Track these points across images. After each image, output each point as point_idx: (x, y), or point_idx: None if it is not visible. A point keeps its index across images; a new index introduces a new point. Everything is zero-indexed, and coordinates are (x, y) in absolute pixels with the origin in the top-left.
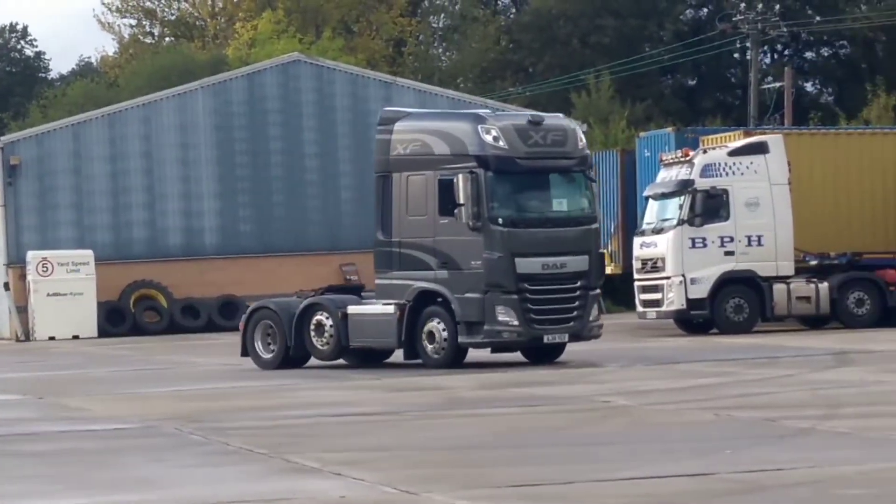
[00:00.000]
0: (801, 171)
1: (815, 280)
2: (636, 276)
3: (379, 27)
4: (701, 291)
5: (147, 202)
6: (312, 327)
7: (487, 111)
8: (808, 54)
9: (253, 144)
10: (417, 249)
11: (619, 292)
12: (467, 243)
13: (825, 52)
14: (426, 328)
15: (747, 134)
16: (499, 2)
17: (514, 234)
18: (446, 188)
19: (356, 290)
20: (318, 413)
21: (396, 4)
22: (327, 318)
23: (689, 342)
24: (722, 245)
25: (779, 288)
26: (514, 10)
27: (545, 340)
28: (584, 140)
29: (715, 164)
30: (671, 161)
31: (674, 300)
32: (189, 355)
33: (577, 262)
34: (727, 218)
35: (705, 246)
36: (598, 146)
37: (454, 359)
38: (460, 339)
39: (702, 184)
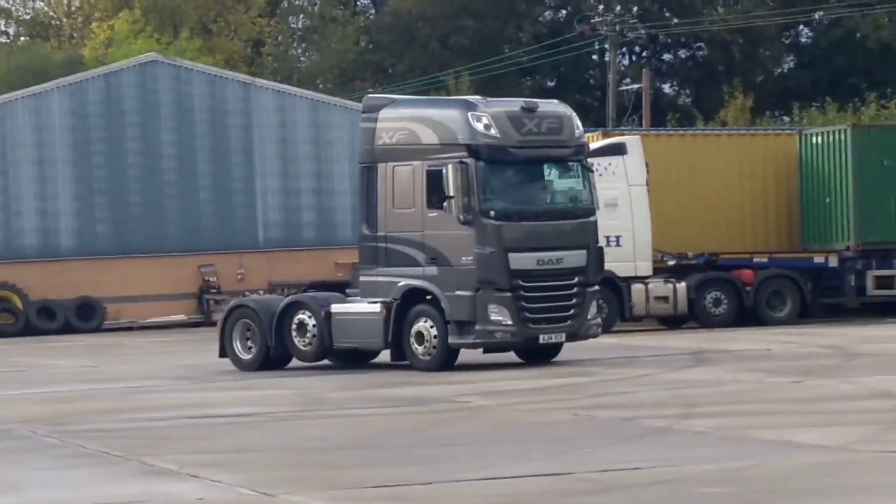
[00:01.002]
0: (659, 172)
1: (672, 280)
2: None
3: (237, 27)
4: None
5: (2, 203)
6: (294, 327)
7: (478, 98)
8: (666, 56)
9: (110, 145)
10: (404, 244)
11: None
12: (457, 238)
13: (683, 54)
14: (414, 328)
15: (605, 135)
16: (358, 2)
17: (507, 228)
18: (435, 179)
19: (341, 287)
20: (177, 415)
21: (255, 5)
22: (310, 317)
23: None
24: None
25: (637, 288)
26: (373, 11)
27: (541, 341)
28: (581, 127)
29: None
30: None
31: None
32: (45, 357)
33: (575, 258)
34: None
35: None
36: None
37: (445, 360)
38: (451, 339)
39: None
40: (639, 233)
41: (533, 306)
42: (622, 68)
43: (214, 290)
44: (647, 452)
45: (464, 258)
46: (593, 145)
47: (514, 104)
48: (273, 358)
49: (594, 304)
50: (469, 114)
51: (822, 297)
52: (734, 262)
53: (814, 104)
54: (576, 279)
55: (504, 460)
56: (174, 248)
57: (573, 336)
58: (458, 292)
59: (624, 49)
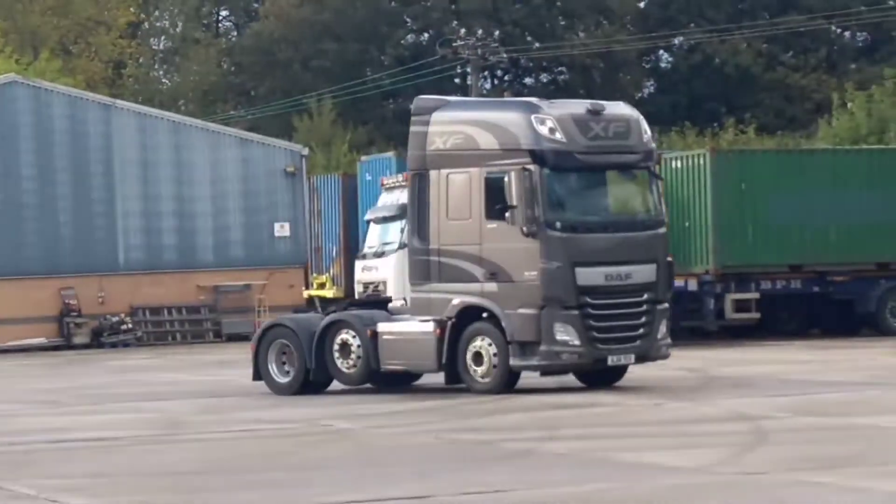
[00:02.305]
0: None
1: None
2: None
3: (98, 49)
4: None
5: None
6: (336, 347)
7: (540, 100)
8: (528, 80)
9: None
10: (460, 258)
11: None
12: (520, 251)
13: (544, 77)
14: (472, 348)
15: None
16: (220, 24)
17: (574, 241)
18: (495, 187)
19: (382, 304)
20: (36, 440)
21: (116, 26)
22: (354, 336)
23: None
24: None
25: None
26: (235, 33)
27: (609, 362)
28: (649, 131)
29: None
30: (392, 185)
31: None
32: None
33: (644, 273)
34: None
35: None
36: (319, 170)
37: (506, 383)
38: (512, 361)
39: None
40: None
41: (601, 325)
42: (484, 92)
43: (75, 314)
44: (508, 475)
45: (527, 273)
46: None
47: (579, 106)
48: (313, 381)
49: (664, 322)
50: (532, 116)
51: (682, 320)
52: None
53: (673, 128)
54: (645, 296)
55: (366, 484)
56: (34, 270)
57: (642, 357)
58: (520, 310)
59: (486, 72)
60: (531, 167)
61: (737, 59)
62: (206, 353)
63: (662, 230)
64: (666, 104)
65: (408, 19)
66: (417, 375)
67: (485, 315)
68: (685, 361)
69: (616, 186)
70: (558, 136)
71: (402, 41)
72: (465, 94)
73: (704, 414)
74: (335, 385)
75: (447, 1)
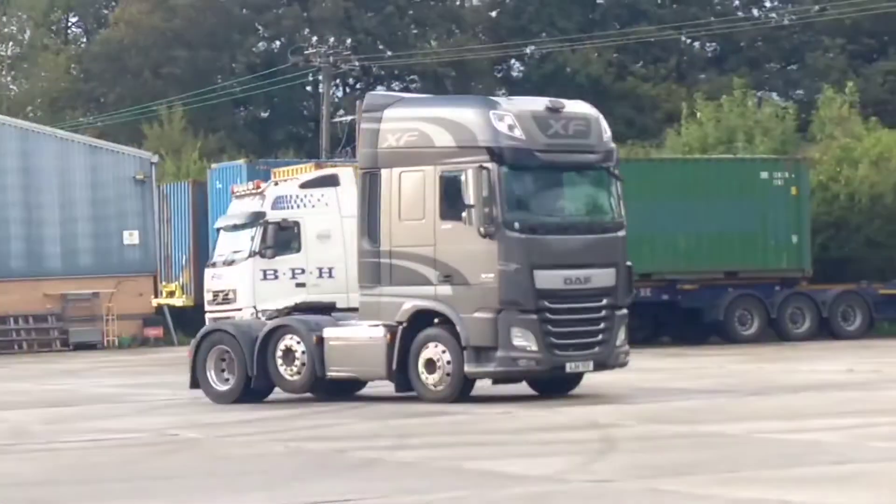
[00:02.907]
0: None
1: None
2: (207, 308)
3: None
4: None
5: None
6: (280, 354)
7: (498, 97)
8: (380, 88)
9: None
10: (413, 260)
11: (190, 324)
12: (477, 252)
13: (396, 86)
14: (424, 355)
15: (318, 167)
16: (70, 31)
17: (533, 242)
18: (451, 186)
19: (326, 310)
20: None
21: None
22: (298, 342)
23: None
24: (294, 277)
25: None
26: (85, 40)
27: (567, 370)
28: (609, 131)
29: (286, 197)
30: (243, 193)
31: None
32: None
33: (603, 277)
34: (299, 250)
35: (277, 278)
36: (169, 178)
37: (460, 391)
38: (467, 367)
39: (273, 216)
40: (352, 264)
41: (560, 330)
42: (336, 100)
43: None
44: (356, 484)
45: (483, 275)
46: (306, 176)
47: (538, 103)
48: (254, 389)
49: (623, 329)
50: (491, 112)
51: None
52: None
53: None
54: (604, 301)
55: (211, 494)
56: None
57: (601, 365)
58: (476, 314)
59: (338, 81)
60: (489, 165)
61: (588, 69)
62: (54, 363)
63: (622, 233)
64: None
65: (259, 27)
66: (362, 384)
67: (438, 320)
68: None
69: (576, 187)
70: (517, 133)
71: (254, 48)
72: (318, 103)
73: (554, 422)
74: (277, 393)
75: (299, 9)
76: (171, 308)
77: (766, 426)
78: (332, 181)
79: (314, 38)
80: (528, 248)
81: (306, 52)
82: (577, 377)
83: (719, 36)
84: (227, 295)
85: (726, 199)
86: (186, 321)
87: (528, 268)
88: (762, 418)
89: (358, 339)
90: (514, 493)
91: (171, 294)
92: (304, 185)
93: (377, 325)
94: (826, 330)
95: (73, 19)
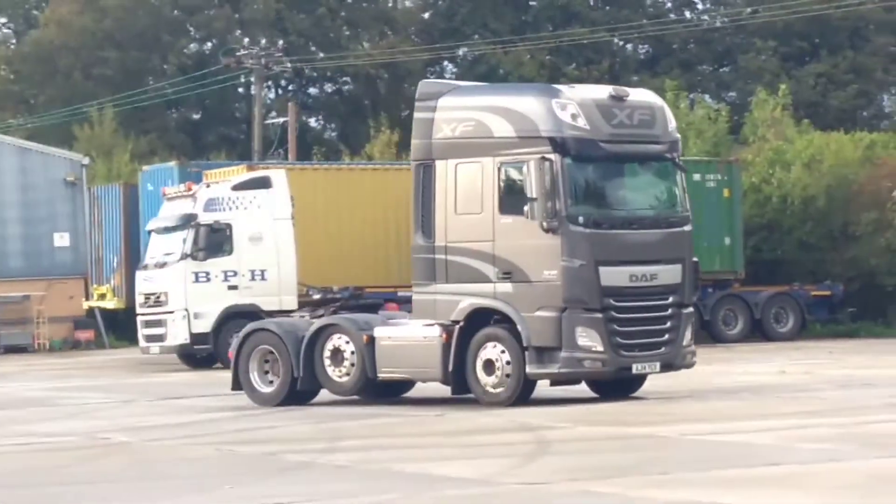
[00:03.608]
0: (304, 205)
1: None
2: (139, 310)
3: None
4: (205, 326)
5: None
6: (328, 354)
7: (559, 86)
8: (312, 90)
9: None
10: (470, 256)
11: (122, 327)
12: (539, 248)
13: (329, 88)
14: (482, 355)
15: (250, 169)
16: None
17: (598, 237)
18: (511, 179)
19: (372, 308)
20: None
21: None
22: (348, 342)
23: (194, 377)
24: (226, 279)
25: None
26: (14, 41)
27: (634, 371)
28: (674, 120)
29: (218, 199)
30: (174, 195)
31: (177, 335)
32: None
33: (670, 273)
34: (231, 252)
35: (209, 280)
36: (100, 180)
37: (521, 393)
38: (529, 369)
39: (205, 218)
40: (284, 267)
41: (626, 330)
42: (268, 102)
43: None
44: (288, 487)
45: (546, 272)
46: (238, 178)
47: (601, 91)
48: (300, 391)
49: (690, 328)
50: (553, 101)
51: None
52: (379, 296)
53: None
54: (670, 299)
55: (141, 498)
56: None
57: (668, 366)
58: (538, 313)
59: (270, 82)
60: (552, 156)
61: (521, 71)
62: None
63: (688, 227)
64: None
65: (191, 28)
66: (411, 385)
67: (497, 319)
68: None
69: (641, 179)
70: (581, 122)
71: (185, 50)
72: (250, 104)
73: (487, 424)
74: (324, 395)
75: (230, 10)
76: (103, 311)
77: (699, 428)
78: (263, 183)
79: (246, 40)
80: (592, 243)
81: (238, 53)
82: (642, 379)
83: (652, 38)
84: (158, 297)
85: None
86: (118, 324)
87: (593, 264)
88: (694, 420)
89: (412, 339)
90: (445, 496)
91: (103, 297)
92: (235, 188)
93: (432, 325)
94: (758, 331)
95: (3, 20)
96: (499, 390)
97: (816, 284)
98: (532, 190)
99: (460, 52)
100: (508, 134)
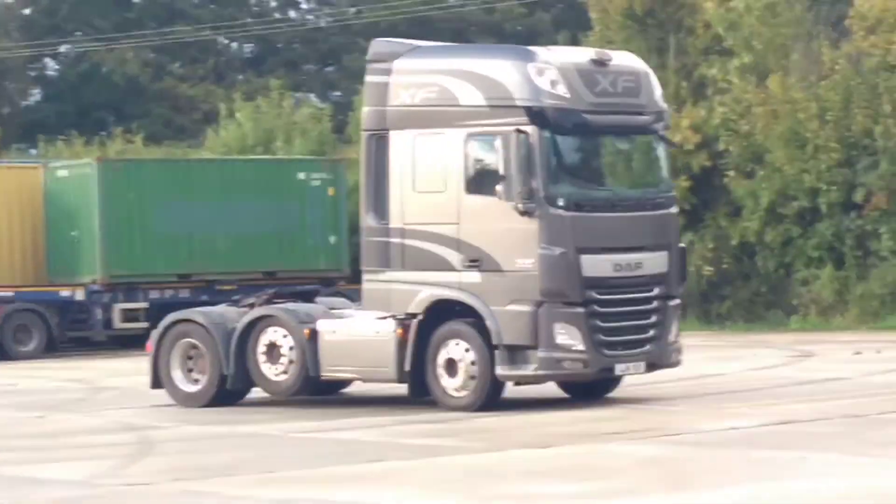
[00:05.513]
0: None
1: None
2: None
3: None
4: None
5: None
6: (262, 350)
7: (535, 48)
8: None
9: None
10: (431, 241)
11: None
12: (512, 233)
13: None
14: (443, 354)
15: None
16: None
17: (579, 221)
18: (480, 153)
19: (308, 296)
20: None
21: None
22: (285, 336)
23: None
24: None
25: None
26: None
27: (617, 371)
28: (660, 88)
29: None
30: None
31: None
32: None
33: (656, 262)
34: None
35: None
36: None
37: (488, 397)
38: (500, 370)
39: None
40: None
41: (609, 326)
42: None
43: None
44: None
45: (520, 261)
46: None
47: (582, 54)
48: (231, 390)
49: (676, 322)
50: (529, 65)
51: (70, 330)
52: None
53: (60, 137)
54: (656, 290)
55: None
56: None
57: (653, 365)
58: (511, 307)
59: None
60: (528, 128)
61: (124, 68)
62: None
63: (675, 209)
64: (52, 113)
65: None
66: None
67: (462, 312)
68: (72, 373)
69: (626, 155)
70: (561, 90)
71: None
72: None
73: (89, 425)
74: (256, 393)
75: None
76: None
77: (303, 426)
78: None
79: None
80: (574, 228)
81: None
82: (619, 378)
83: (257, 37)
84: None
85: (265, 200)
86: None
87: (574, 252)
88: (299, 419)
89: (361, 334)
90: (46, 499)
91: None
92: None
93: (386, 318)
94: None
95: None
96: (463, 394)
97: None
98: (505, 166)
99: (62, 49)
100: (477, 102)
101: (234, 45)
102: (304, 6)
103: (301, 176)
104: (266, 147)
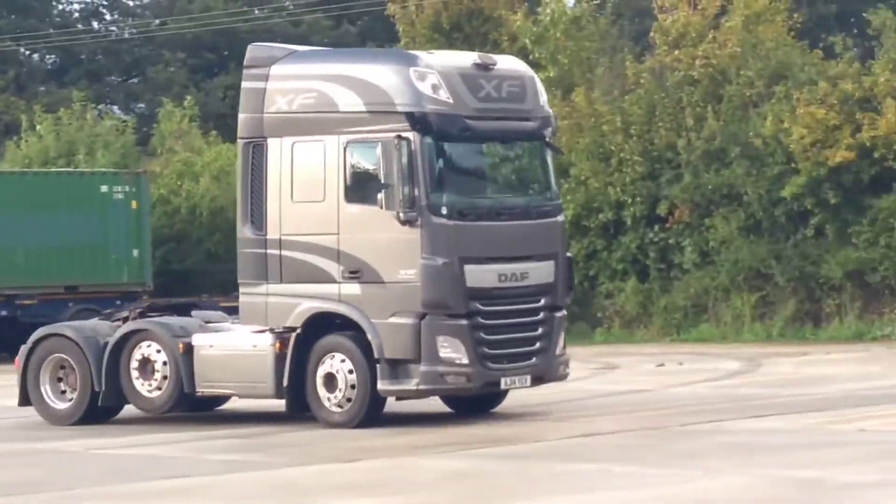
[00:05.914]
0: None
1: None
2: None
3: None
4: None
5: None
6: (135, 365)
7: (416, 52)
8: None
9: None
10: (310, 252)
11: None
12: (394, 243)
13: None
14: (322, 368)
15: None
16: None
17: (463, 230)
18: (360, 161)
19: (184, 309)
20: None
21: None
22: (159, 351)
23: None
24: None
25: None
26: None
27: (502, 385)
28: (545, 93)
29: None
30: None
31: None
32: None
33: (542, 271)
34: None
35: None
36: None
37: (368, 413)
38: (381, 385)
39: None
40: None
41: (494, 338)
42: None
43: None
44: None
45: (402, 272)
46: None
47: (465, 58)
48: (103, 406)
49: (563, 335)
50: (410, 70)
51: None
52: None
53: None
54: (542, 301)
55: None
56: None
57: (539, 378)
58: (392, 319)
59: None
60: (409, 134)
61: None
62: None
63: (561, 217)
64: None
65: None
66: (226, 398)
67: (342, 325)
68: None
69: (510, 162)
70: (443, 95)
71: None
72: None
73: None
74: (129, 410)
75: None
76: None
77: (101, 443)
78: None
79: None
80: (457, 237)
81: None
82: (504, 392)
83: (59, 48)
84: None
85: (67, 213)
86: None
87: (458, 262)
88: (104, 435)
89: (238, 349)
90: None
91: None
92: None
93: (263, 332)
94: None
95: None
96: (342, 409)
97: (226, 295)
98: (385, 174)
99: None
100: (357, 108)
101: (36, 56)
102: (107, 17)
103: (104, 189)
104: (68, 160)
